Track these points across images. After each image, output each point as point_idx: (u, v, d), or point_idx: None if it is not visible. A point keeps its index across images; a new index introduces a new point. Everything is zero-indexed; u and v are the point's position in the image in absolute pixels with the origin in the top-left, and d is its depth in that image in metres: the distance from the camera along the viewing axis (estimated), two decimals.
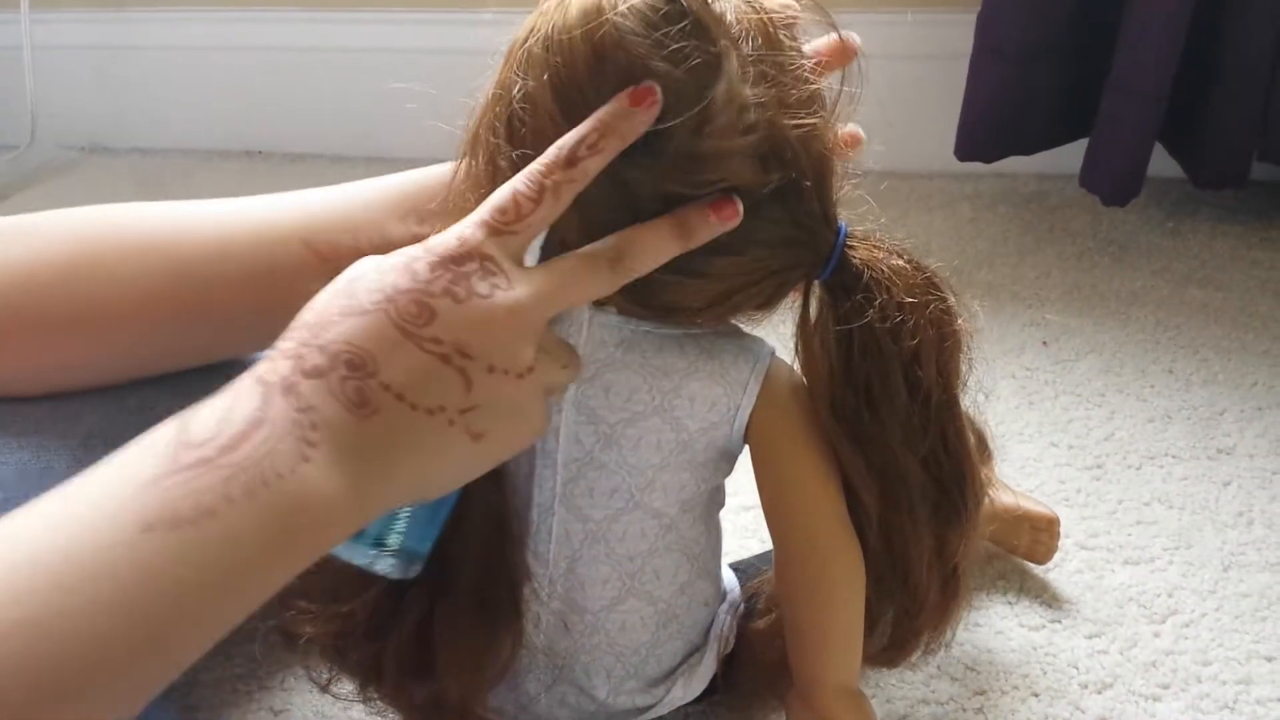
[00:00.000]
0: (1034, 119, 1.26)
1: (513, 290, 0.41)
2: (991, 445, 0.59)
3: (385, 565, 0.46)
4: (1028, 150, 1.30)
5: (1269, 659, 0.68)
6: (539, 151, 0.44)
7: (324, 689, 0.56)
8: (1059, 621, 0.71)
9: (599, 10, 0.44)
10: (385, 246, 0.44)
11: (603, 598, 0.54)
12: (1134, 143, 1.17)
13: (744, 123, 0.45)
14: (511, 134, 0.47)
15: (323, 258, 0.54)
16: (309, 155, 1.66)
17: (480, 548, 0.50)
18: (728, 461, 0.55)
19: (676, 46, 0.43)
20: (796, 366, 0.54)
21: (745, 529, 0.79)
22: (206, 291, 0.55)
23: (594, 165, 0.43)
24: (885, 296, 0.49)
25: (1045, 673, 0.67)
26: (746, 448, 0.55)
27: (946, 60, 1.30)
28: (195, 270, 0.55)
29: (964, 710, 0.65)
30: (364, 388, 0.38)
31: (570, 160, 0.42)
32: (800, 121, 0.46)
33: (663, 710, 0.59)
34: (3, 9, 1.66)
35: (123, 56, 1.70)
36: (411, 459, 0.40)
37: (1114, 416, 0.93)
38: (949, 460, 0.53)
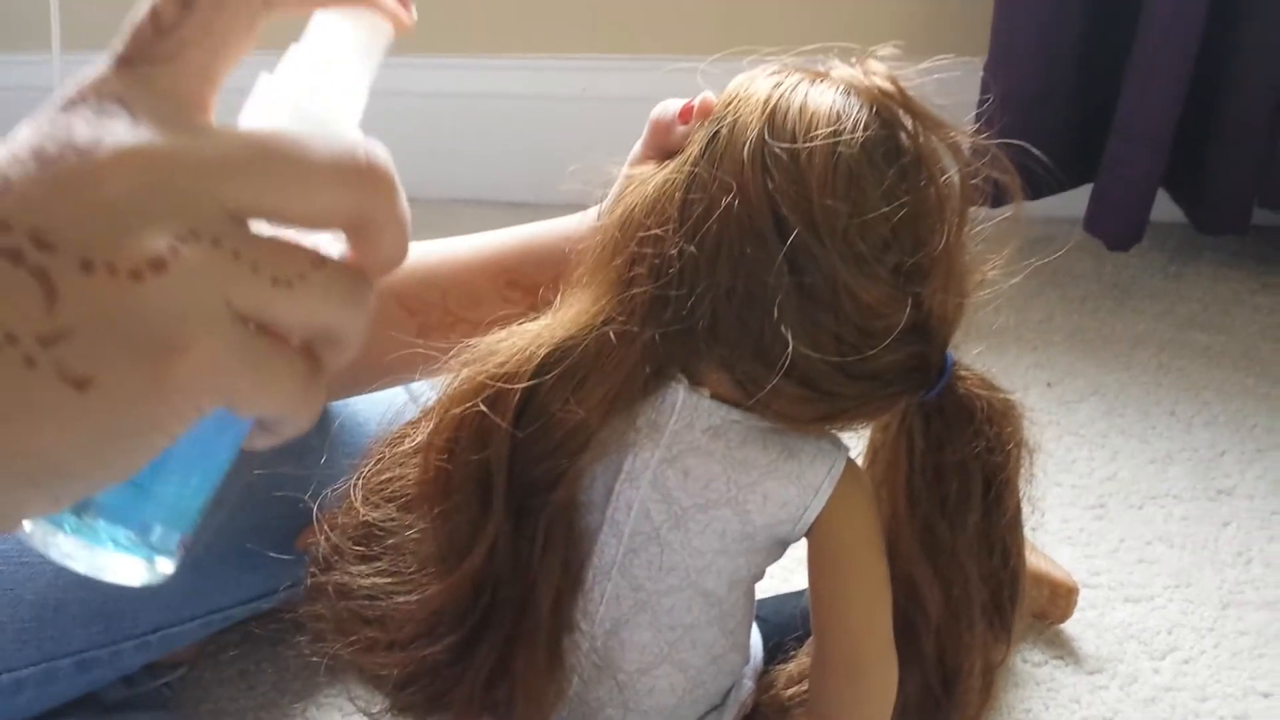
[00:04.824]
0: (1039, 164, 1.28)
1: (133, 132, 0.26)
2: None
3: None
4: (1033, 195, 1.32)
5: (1266, 695, 0.69)
6: (711, 247, 0.44)
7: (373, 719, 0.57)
8: (1061, 658, 0.73)
9: (834, 133, 0.46)
10: (473, 306, 0.42)
11: (639, 661, 0.55)
12: (1138, 188, 1.18)
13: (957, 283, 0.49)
14: (684, 222, 0.47)
15: (410, 312, 0.52)
16: None
17: (552, 600, 0.51)
18: (782, 548, 0.55)
19: (906, 194, 0.47)
20: (869, 466, 0.56)
21: None
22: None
23: None
24: (978, 425, 0.51)
25: (1047, 708, 0.69)
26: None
27: (952, 108, 1.32)
28: None
29: None
30: None
31: None
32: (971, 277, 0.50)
33: None
34: (35, 51, 1.71)
35: None
36: None
37: (1116, 457, 0.95)
38: (1008, 579, 0.55)
